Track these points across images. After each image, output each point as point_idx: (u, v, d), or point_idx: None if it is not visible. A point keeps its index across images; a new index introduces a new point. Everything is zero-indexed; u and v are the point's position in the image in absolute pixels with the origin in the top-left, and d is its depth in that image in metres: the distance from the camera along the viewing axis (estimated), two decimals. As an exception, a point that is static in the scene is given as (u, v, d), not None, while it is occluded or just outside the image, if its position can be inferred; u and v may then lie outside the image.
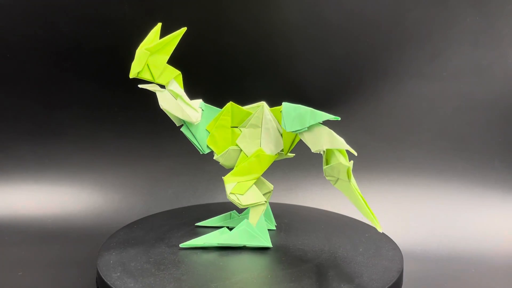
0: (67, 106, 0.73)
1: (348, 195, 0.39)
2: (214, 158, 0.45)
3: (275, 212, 0.53)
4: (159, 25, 0.42)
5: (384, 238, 0.48)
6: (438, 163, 0.71)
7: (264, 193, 0.46)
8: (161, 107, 0.43)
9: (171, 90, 0.43)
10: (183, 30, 0.42)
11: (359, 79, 0.72)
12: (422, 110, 0.72)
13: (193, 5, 0.70)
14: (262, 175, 0.46)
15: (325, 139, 0.40)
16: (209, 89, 0.72)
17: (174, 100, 0.43)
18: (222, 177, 0.44)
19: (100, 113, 0.73)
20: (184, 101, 0.43)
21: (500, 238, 0.64)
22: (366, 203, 0.38)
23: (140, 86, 0.43)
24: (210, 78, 0.73)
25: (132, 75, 0.41)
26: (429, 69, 0.71)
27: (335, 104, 0.73)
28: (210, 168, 0.73)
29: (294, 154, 0.47)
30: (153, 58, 0.41)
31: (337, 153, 0.39)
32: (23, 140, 0.72)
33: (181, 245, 0.44)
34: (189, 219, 0.52)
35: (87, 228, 0.66)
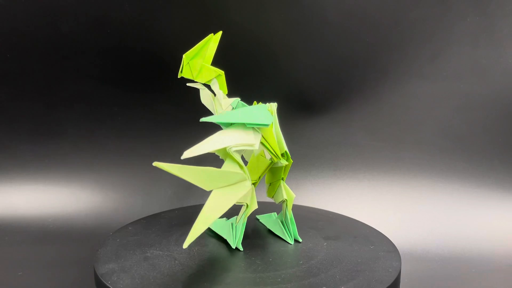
0: (67, 106, 0.73)
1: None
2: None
3: (274, 211, 0.53)
4: (210, 36, 0.45)
5: (383, 239, 0.48)
6: (438, 163, 0.71)
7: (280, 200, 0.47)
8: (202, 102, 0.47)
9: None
10: (218, 34, 0.45)
11: (359, 79, 0.72)
12: (422, 110, 0.72)
13: (193, 5, 0.70)
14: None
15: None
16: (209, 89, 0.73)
17: (210, 98, 0.45)
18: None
19: (100, 113, 0.73)
20: (214, 100, 0.45)
21: (500, 238, 0.64)
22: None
23: (188, 84, 0.46)
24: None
25: (179, 75, 0.45)
26: (429, 69, 0.71)
27: (335, 104, 0.73)
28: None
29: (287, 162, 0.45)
30: (192, 61, 0.44)
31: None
32: (23, 140, 0.72)
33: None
34: (188, 219, 0.52)
35: (87, 228, 0.66)
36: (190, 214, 0.55)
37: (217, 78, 0.45)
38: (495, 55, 0.70)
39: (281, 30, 0.71)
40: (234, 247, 0.44)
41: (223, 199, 0.33)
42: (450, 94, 0.71)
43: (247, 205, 0.44)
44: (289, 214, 0.46)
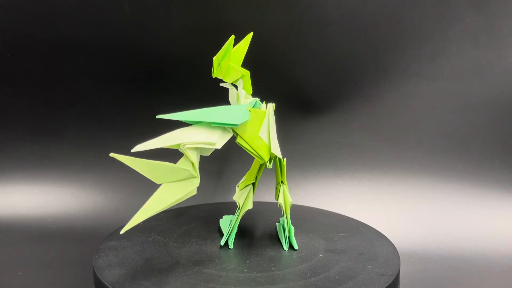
0: (67, 106, 0.73)
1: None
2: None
3: (275, 211, 0.53)
4: (232, 37, 0.45)
5: (383, 238, 0.48)
6: (438, 163, 0.71)
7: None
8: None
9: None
10: (249, 35, 0.46)
11: (359, 79, 0.72)
12: (422, 110, 0.72)
13: (193, 5, 0.70)
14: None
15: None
16: (208, 89, 0.72)
17: (234, 97, 0.47)
18: None
19: (100, 113, 0.73)
20: (237, 100, 0.45)
21: (500, 238, 0.64)
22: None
23: (220, 84, 0.48)
24: (210, 77, 0.73)
25: (213, 75, 0.47)
26: (429, 69, 0.71)
27: (335, 104, 0.73)
28: (210, 168, 0.73)
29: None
30: (222, 62, 0.45)
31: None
32: (23, 140, 0.72)
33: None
34: (187, 219, 0.52)
35: (87, 228, 0.66)
36: (190, 214, 0.55)
37: (242, 78, 0.46)
38: (495, 55, 0.70)
39: (281, 30, 0.71)
40: (222, 244, 0.44)
41: (169, 193, 0.34)
42: (450, 94, 0.71)
43: (239, 205, 0.44)
44: (286, 219, 0.45)
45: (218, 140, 0.35)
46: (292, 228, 0.46)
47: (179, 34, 0.71)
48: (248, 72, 0.47)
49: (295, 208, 0.58)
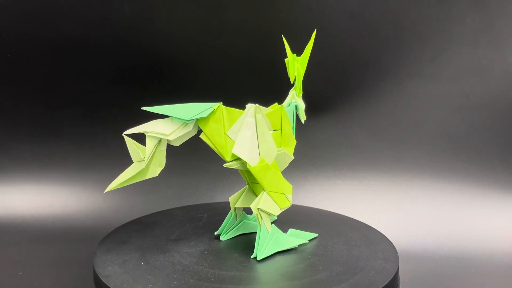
0: (67, 106, 0.73)
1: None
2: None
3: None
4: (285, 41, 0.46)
5: (382, 238, 0.48)
6: (438, 163, 0.71)
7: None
8: None
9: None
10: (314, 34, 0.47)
11: (360, 79, 0.72)
12: (422, 110, 0.72)
13: (193, 5, 0.70)
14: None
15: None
16: (208, 89, 0.72)
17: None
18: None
19: (100, 113, 0.73)
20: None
21: (500, 238, 0.64)
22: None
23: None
24: (209, 77, 0.73)
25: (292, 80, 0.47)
26: (430, 69, 0.71)
27: (335, 104, 0.73)
28: (210, 168, 0.73)
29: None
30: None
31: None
32: (23, 140, 0.72)
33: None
34: (188, 219, 0.52)
35: (87, 228, 0.66)
36: (190, 213, 0.55)
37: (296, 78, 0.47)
38: (495, 55, 0.70)
39: (281, 30, 0.71)
40: (215, 234, 0.47)
41: (128, 171, 0.41)
42: (450, 94, 0.71)
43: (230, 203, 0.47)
44: (258, 226, 0.42)
45: (173, 132, 0.40)
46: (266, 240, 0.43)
47: (179, 34, 0.71)
48: (302, 73, 0.47)
49: (295, 208, 0.58)
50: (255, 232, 0.47)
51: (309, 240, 0.46)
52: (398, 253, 0.44)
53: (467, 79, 0.71)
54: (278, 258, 0.42)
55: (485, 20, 0.69)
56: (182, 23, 0.71)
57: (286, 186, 0.43)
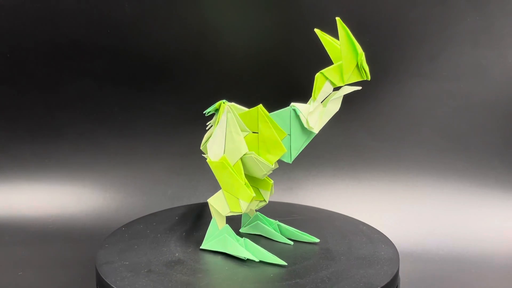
0: (67, 106, 0.73)
1: None
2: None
3: (275, 210, 0.53)
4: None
5: (382, 238, 0.48)
6: (438, 163, 0.71)
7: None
8: None
9: None
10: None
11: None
12: (422, 110, 0.72)
13: (193, 5, 0.70)
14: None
15: None
16: (208, 89, 0.72)
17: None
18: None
19: (100, 113, 0.73)
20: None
21: (500, 238, 0.64)
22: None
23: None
24: (210, 77, 0.73)
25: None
26: (429, 69, 0.71)
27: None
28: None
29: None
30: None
31: None
32: (23, 140, 0.72)
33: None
34: (189, 219, 0.52)
35: (87, 228, 0.66)
36: (190, 213, 0.55)
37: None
38: (495, 55, 0.70)
39: (281, 30, 0.71)
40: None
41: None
42: (450, 94, 0.71)
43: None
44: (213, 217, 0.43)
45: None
46: None
47: (179, 34, 0.71)
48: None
49: (295, 208, 0.58)
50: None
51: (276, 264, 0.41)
52: (398, 253, 0.44)
53: (466, 79, 0.71)
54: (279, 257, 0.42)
55: (485, 20, 0.69)
56: (182, 23, 0.71)
57: (242, 191, 0.40)
